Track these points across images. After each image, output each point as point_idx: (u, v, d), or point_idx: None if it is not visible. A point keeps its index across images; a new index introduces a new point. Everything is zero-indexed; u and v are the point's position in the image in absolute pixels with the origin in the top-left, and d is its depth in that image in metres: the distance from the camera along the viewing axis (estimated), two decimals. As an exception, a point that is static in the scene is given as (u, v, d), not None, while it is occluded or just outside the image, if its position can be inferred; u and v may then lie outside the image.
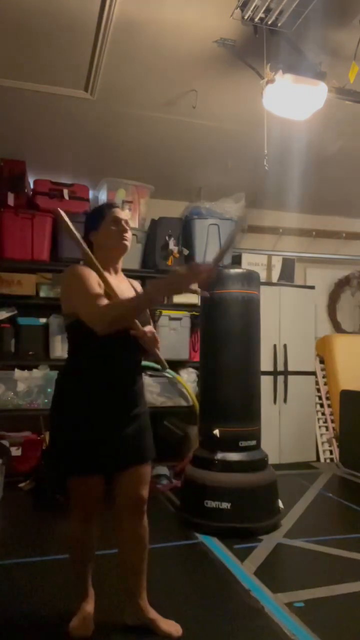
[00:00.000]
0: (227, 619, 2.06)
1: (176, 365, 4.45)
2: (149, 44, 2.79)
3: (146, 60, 2.95)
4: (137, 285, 2.10)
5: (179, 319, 4.50)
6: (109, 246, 1.92)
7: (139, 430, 1.91)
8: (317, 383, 5.29)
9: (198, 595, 2.28)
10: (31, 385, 4.06)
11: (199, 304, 3.73)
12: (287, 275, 5.22)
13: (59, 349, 4.14)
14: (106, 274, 1.82)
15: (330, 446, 5.11)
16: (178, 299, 4.54)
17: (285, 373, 4.92)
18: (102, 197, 4.45)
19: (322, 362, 5.45)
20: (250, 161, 3.97)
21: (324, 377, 5.41)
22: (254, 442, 3.15)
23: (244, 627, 2.02)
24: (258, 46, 2.68)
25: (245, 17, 2.48)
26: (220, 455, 3.06)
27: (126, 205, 4.38)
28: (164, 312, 4.42)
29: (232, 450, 3.07)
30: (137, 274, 4.14)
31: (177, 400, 4.43)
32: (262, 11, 2.42)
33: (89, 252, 1.80)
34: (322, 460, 5.01)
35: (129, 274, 2.14)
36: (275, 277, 5.16)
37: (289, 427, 4.88)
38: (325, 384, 5.39)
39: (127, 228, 1.93)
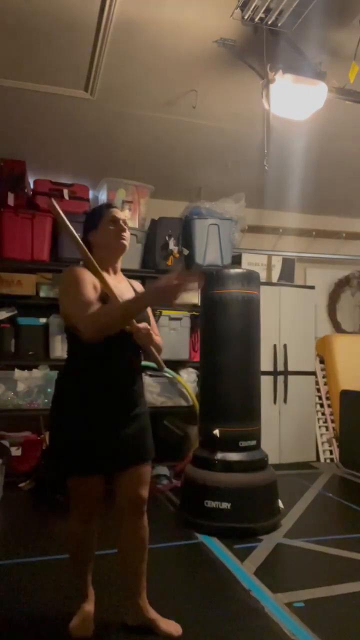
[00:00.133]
0: (227, 619, 2.06)
1: (176, 365, 4.45)
2: (149, 44, 2.79)
3: (146, 60, 2.95)
4: (137, 285, 2.10)
5: (179, 319, 4.50)
6: (108, 246, 1.92)
7: (139, 431, 1.91)
8: (317, 383, 5.29)
9: (198, 595, 2.28)
10: (31, 385, 4.06)
11: (199, 303, 3.73)
12: (287, 275, 5.22)
13: (59, 349, 4.14)
14: (105, 274, 1.82)
15: (330, 446, 5.11)
16: (178, 298, 4.53)
17: (285, 373, 4.92)
18: (102, 197, 4.45)
19: (322, 362, 5.45)
20: (250, 161, 3.97)
21: (324, 377, 5.41)
22: (254, 442, 3.15)
23: (244, 627, 2.02)
24: (258, 46, 2.68)
25: (245, 17, 2.48)
26: (220, 455, 3.06)
27: (126, 205, 4.38)
28: (164, 312, 4.41)
29: (232, 450, 3.07)
30: (137, 274, 4.14)
31: (177, 400, 4.43)
32: (262, 11, 2.42)
33: (83, 245, 1.79)
34: (322, 460, 5.01)
35: (129, 274, 2.14)
36: (275, 277, 5.16)
37: (289, 427, 4.88)
38: (325, 384, 5.39)
39: (125, 227, 1.93)
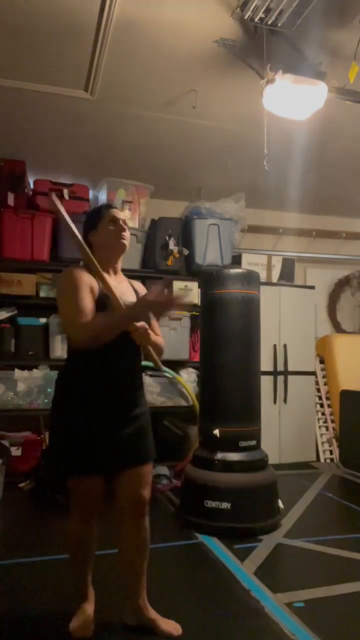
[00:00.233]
0: (227, 619, 2.06)
1: (176, 365, 4.45)
2: (149, 44, 2.79)
3: (146, 60, 2.95)
4: (138, 285, 2.09)
5: (179, 319, 4.50)
6: (108, 246, 1.92)
7: (139, 431, 1.91)
8: (317, 383, 5.29)
9: (198, 595, 2.28)
10: (31, 385, 4.06)
11: (199, 303, 3.73)
12: (287, 275, 5.22)
13: (59, 349, 4.14)
14: (105, 275, 1.82)
15: (330, 446, 5.11)
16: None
17: (285, 373, 4.92)
18: (102, 197, 4.45)
19: (322, 362, 5.45)
20: (250, 161, 3.97)
21: (324, 377, 5.41)
22: (254, 442, 3.15)
23: (244, 627, 2.02)
24: (258, 46, 2.68)
25: (245, 17, 2.48)
26: (220, 455, 3.06)
27: (126, 205, 4.38)
28: (164, 312, 4.41)
29: (232, 450, 3.07)
30: (137, 274, 4.15)
31: (177, 400, 4.43)
32: (262, 11, 2.42)
33: (84, 243, 1.79)
34: (322, 460, 5.01)
35: (129, 274, 2.14)
36: (275, 277, 5.16)
37: (289, 427, 4.88)
38: (325, 384, 5.39)
39: (125, 227, 1.93)
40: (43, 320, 4.21)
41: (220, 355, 3.21)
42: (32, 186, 4.36)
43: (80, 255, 1.83)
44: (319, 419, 5.22)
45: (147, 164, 4.33)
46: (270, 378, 4.81)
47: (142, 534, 1.93)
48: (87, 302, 1.75)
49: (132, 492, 1.90)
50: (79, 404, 1.85)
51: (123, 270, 2.05)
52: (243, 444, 3.09)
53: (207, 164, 4.38)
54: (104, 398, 1.84)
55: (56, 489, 3.43)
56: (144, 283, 2.29)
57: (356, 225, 5.87)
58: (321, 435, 5.15)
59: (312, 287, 5.29)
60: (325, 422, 5.25)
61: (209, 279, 3.31)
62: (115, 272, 1.97)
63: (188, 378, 4.45)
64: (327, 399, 5.33)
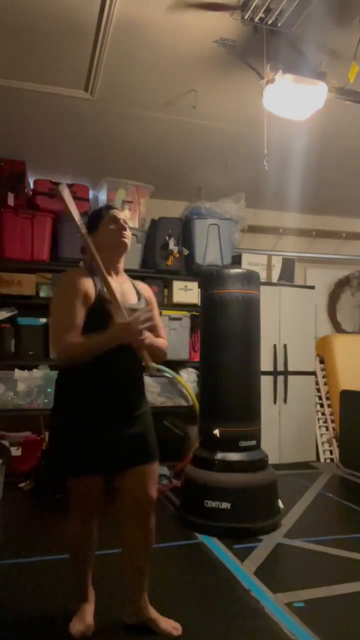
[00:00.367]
0: (227, 619, 2.06)
1: (176, 365, 4.45)
2: (149, 44, 2.79)
3: (146, 60, 2.95)
4: (143, 286, 2.08)
5: (179, 319, 4.50)
6: (109, 245, 1.91)
7: (141, 430, 1.90)
8: (317, 383, 5.29)
9: (198, 595, 2.28)
10: (31, 385, 4.06)
11: (199, 303, 3.73)
12: (287, 275, 5.22)
13: (59, 349, 4.13)
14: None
15: (330, 446, 5.11)
16: (178, 299, 4.55)
17: (285, 373, 4.92)
18: (102, 197, 4.45)
19: (322, 362, 5.45)
20: (250, 161, 3.97)
21: (324, 377, 5.41)
22: (254, 442, 3.15)
23: (244, 627, 2.02)
24: (258, 46, 2.68)
25: (245, 17, 2.48)
26: (220, 455, 3.06)
27: (126, 205, 4.38)
28: (164, 312, 4.42)
29: (232, 450, 3.07)
30: (137, 274, 4.14)
31: (177, 400, 4.43)
32: (262, 11, 2.42)
33: (86, 234, 1.78)
34: (322, 460, 5.01)
35: (130, 274, 2.13)
36: (275, 277, 5.17)
37: (289, 427, 4.88)
38: (325, 384, 5.39)
39: (126, 226, 1.93)
40: (43, 320, 4.21)
41: (220, 355, 3.21)
42: (32, 186, 4.36)
43: (82, 255, 1.83)
44: (319, 419, 5.22)
45: (147, 164, 4.33)
46: (270, 378, 4.81)
47: (146, 533, 1.93)
48: (74, 318, 1.77)
49: (136, 491, 1.89)
50: (78, 404, 1.85)
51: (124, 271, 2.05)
52: (243, 444, 3.09)
53: (207, 164, 4.38)
54: (103, 398, 1.84)
55: (56, 489, 3.42)
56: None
57: (356, 225, 5.87)
58: (321, 435, 5.15)
59: (312, 287, 5.29)
60: (325, 422, 5.25)
61: (209, 279, 3.31)
62: (117, 273, 1.97)
63: (188, 378, 4.45)
64: (327, 399, 5.33)
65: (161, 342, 1.98)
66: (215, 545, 2.80)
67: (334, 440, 5.07)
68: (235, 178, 4.60)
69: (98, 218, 1.94)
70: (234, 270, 3.28)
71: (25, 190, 4.28)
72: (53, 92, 3.25)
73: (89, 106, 3.42)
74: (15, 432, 4.11)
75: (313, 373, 5.16)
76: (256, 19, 2.48)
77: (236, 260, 4.96)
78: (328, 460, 5.02)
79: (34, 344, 4.19)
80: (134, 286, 2.03)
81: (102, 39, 2.73)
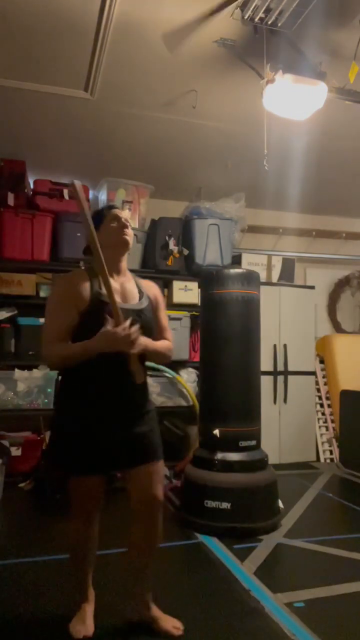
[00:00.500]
0: (227, 619, 2.06)
1: (176, 365, 4.45)
2: (149, 44, 2.79)
3: (146, 60, 2.95)
4: (147, 285, 2.06)
5: (179, 319, 4.50)
6: (111, 244, 1.90)
7: (144, 430, 1.90)
8: (317, 383, 5.29)
9: (198, 595, 2.28)
10: (31, 385, 4.07)
11: (199, 303, 3.73)
12: (287, 275, 5.22)
13: (59, 349, 4.13)
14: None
15: (330, 446, 5.11)
16: (178, 299, 4.55)
17: (285, 373, 4.92)
18: (102, 197, 4.45)
19: (322, 362, 5.45)
20: (250, 161, 3.97)
21: (324, 377, 5.41)
22: (254, 442, 3.15)
23: (244, 627, 2.02)
24: (258, 46, 2.68)
25: (245, 17, 2.48)
26: (220, 455, 3.06)
27: (126, 205, 4.38)
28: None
29: (232, 450, 3.07)
30: (137, 274, 4.10)
31: (177, 400, 4.43)
32: (262, 11, 2.42)
33: (95, 235, 1.78)
34: (322, 460, 5.01)
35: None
36: (275, 277, 5.16)
37: (289, 427, 4.88)
38: (325, 384, 5.39)
39: (128, 224, 1.93)
40: (43, 320, 4.20)
41: (220, 355, 3.21)
42: (32, 186, 4.36)
43: (86, 252, 1.82)
44: (319, 419, 5.22)
45: (147, 164, 4.33)
46: (270, 378, 4.81)
47: (151, 533, 1.92)
48: (59, 324, 1.81)
49: (140, 491, 1.89)
50: (78, 404, 1.85)
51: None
52: (243, 444, 3.09)
53: (207, 164, 4.38)
54: (103, 398, 1.83)
55: (56, 489, 3.42)
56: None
57: (356, 225, 5.87)
58: (321, 435, 5.15)
59: (312, 287, 5.29)
60: (325, 422, 5.24)
61: (209, 279, 3.31)
62: (118, 273, 1.95)
63: (188, 378, 4.45)
64: (327, 399, 5.33)
65: (161, 345, 1.96)
66: (215, 545, 2.80)
67: (334, 440, 5.07)
68: (235, 178, 4.60)
69: (100, 217, 1.94)
70: (234, 270, 3.27)
71: (25, 190, 4.28)
72: (53, 92, 3.25)
73: (89, 106, 3.43)
74: (15, 432, 4.11)
75: (313, 373, 5.16)
76: (256, 19, 2.48)
77: (236, 260, 4.95)
78: (328, 460, 5.02)
79: (34, 344, 4.17)
80: (137, 285, 2.01)
81: (102, 39, 2.73)
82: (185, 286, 4.59)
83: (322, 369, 5.43)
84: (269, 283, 4.99)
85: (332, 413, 5.22)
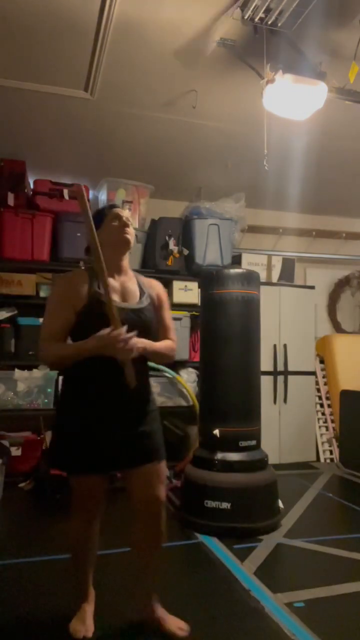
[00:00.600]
0: (227, 619, 2.06)
1: (176, 365, 4.45)
2: (149, 44, 2.79)
3: (146, 60, 2.95)
4: (150, 284, 2.04)
5: (179, 319, 4.50)
6: (111, 243, 1.90)
7: (146, 430, 1.90)
8: (317, 383, 5.29)
9: (198, 595, 2.28)
10: (31, 385, 4.06)
11: (199, 303, 3.73)
12: (287, 275, 5.22)
13: (59, 349, 4.13)
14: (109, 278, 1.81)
15: (330, 446, 5.11)
16: (178, 299, 4.55)
17: (285, 373, 4.92)
18: (102, 197, 4.45)
19: (322, 362, 5.45)
20: (250, 161, 3.97)
21: (324, 377, 5.41)
22: (254, 442, 3.15)
23: (244, 627, 2.02)
24: (258, 46, 2.68)
25: (245, 17, 2.48)
26: (220, 455, 3.06)
27: (126, 205, 4.38)
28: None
29: (232, 450, 3.07)
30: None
31: (177, 400, 4.43)
32: (262, 11, 2.42)
33: (96, 237, 1.77)
34: (322, 460, 5.01)
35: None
36: (275, 277, 5.16)
37: (289, 427, 4.88)
38: (325, 384, 5.39)
39: (129, 223, 1.93)
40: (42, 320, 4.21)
41: (220, 355, 3.21)
42: (32, 186, 4.36)
43: (87, 252, 1.82)
44: (319, 419, 5.22)
45: (147, 164, 4.33)
46: (270, 378, 4.81)
47: (154, 533, 1.92)
48: (54, 325, 1.82)
49: (141, 491, 1.89)
50: (80, 404, 1.85)
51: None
52: (243, 444, 3.09)
53: (207, 164, 4.38)
54: (105, 398, 1.83)
55: (56, 489, 3.42)
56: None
57: (356, 225, 5.87)
58: (321, 435, 5.15)
59: (312, 287, 5.29)
60: (325, 422, 5.24)
61: (209, 279, 3.31)
62: (120, 271, 1.94)
63: (188, 378, 4.45)
64: (327, 399, 5.33)
65: (162, 345, 1.95)
66: (215, 545, 2.80)
67: (334, 440, 5.07)
68: (235, 178, 4.60)
69: (101, 217, 1.94)
70: (234, 270, 3.27)
71: (25, 190, 4.28)
72: (53, 92, 3.25)
73: (89, 106, 3.42)
74: (15, 432, 4.11)
75: (313, 373, 5.16)
76: (256, 19, 2.48)
77: (236, 260, 4.95)
78: (328, 460, 5.02)
79: (34, 344, 4.17)
80: (139, 285, 2.00)
81: (102, 39, 2.73)
82: (185, 286, 4.59)
83: (322, 369, 5.43)
84: (269, 283, 4.99)
85: (332, 413, 5.22)
